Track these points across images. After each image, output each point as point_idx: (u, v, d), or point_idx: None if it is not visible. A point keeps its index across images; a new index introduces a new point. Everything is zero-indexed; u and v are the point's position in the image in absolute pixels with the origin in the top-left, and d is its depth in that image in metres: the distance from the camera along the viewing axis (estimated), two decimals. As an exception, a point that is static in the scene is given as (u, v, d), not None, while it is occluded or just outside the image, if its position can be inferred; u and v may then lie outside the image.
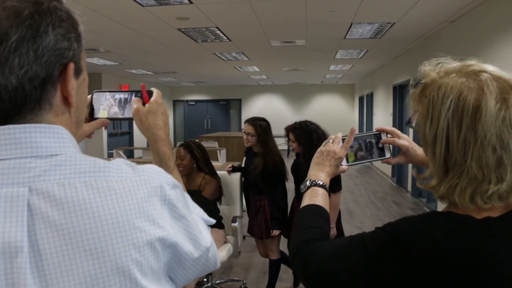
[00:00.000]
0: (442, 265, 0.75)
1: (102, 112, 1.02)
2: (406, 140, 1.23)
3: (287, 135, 3.54)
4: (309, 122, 3.49)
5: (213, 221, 0.92)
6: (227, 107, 18.31)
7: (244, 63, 10.46)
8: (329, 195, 3.48)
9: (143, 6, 4.91)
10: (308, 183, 1.14)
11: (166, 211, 0.69)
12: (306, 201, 1.10)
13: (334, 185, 3.27)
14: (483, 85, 0.79)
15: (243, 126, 3.72)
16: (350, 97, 17.48)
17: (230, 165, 3.93)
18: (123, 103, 1.00)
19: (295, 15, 5.51)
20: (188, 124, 18.41)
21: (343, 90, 17.42)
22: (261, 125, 3.54)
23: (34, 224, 0.59)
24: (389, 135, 1.24)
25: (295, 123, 3.50)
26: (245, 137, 3.59)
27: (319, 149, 1.20)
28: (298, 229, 1.04)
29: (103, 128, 1.06)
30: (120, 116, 1.01)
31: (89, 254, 0.60)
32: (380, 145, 1.23)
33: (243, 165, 4.15)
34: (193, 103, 18.44)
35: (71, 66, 0.68)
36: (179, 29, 6.22)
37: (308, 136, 3.36)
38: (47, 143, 0.65)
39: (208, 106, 18.35)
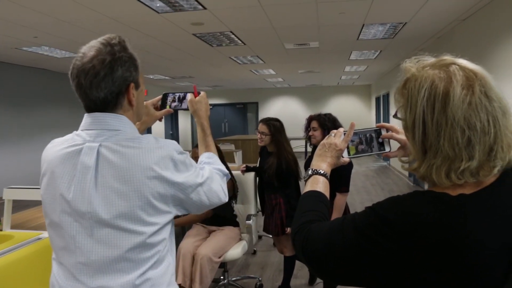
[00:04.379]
0: (423, 239, 0.85)
1: (167, 106, 1.64)
2: (404, 135, 1.32)
3: (308, 125, 3.52)
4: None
5: (226, 171, 1.47)
6: (244, 110, 18.43)
7: (260, 66, 10.58)
8: (335, 195, 3.39)
9: (158, 13, 5.07)
10: (310, 172, 1.25)
11: (171, 165, 1.24)
12: (307, 187, 1.21)
13: (341, 185, 3.23)
14: (451, 75, 0.90)
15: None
16: (366, 98, 17.45)
17: (244, 165, 4.02)
18: (181, 99, 1.64)
19: (307, 18, 5.60)
20: (205, 128, 18.48)
21: (359, 91, 17.39)
22: (274, 125, 3.65)
23: (98, 159, 1.19)
24: (389, 131, 1.33)
25: (319, 113, 3.53)
26: (259, 136, 3.69)
27: (321, 142, 1.31)
28: (299, 212, 1.14)
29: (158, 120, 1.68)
30: (179, 107, 1.64)
31: (122, 179, 1.17)
32: (380, 140, 1.32)
33: (257, 166, 4.24)
34: (211, 107, 18.51)
35: (132, 85, 1.25)
36: (194, 34, 6.37)
37: (333, 123, 3.38)
38: (114, 123, 1.23)
39: (226, 109, 18.52)
